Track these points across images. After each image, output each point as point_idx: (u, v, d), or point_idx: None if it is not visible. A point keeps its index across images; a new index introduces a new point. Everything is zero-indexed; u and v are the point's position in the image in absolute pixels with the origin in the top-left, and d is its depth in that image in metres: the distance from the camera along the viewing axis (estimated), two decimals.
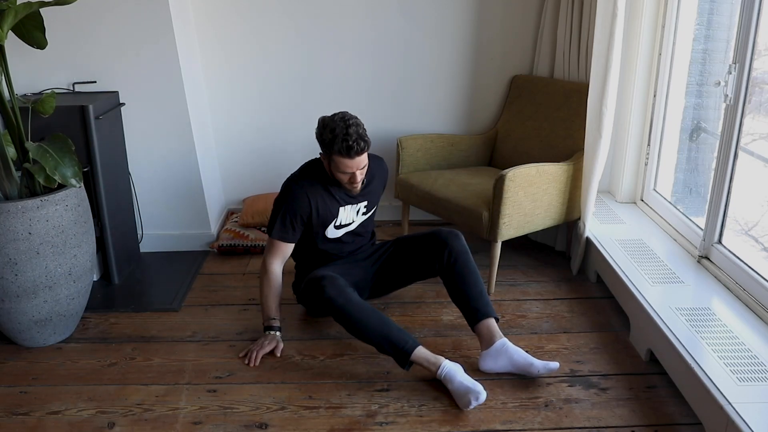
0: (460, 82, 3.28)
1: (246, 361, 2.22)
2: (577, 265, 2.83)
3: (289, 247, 2.30)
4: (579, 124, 2.78)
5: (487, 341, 2.16)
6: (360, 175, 2.18)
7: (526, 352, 2.26)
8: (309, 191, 2.22)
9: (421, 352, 2.06)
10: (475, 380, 2.01)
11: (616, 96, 2.55)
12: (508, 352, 2.12)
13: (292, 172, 2.31)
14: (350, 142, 2.07)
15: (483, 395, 1.95)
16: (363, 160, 2.15)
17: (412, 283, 2.54)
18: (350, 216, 2.34)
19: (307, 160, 2.35)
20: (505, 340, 2.16)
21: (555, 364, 2.08)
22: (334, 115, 2.15)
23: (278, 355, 2.25)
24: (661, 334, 2.04)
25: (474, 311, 2.19)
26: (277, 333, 2.29)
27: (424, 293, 2.70)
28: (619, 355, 2.26)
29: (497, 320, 2.20)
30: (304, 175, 2.27)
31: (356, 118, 2.14)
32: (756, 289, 2.15)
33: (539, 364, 2.08)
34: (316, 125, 2.19)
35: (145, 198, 3.03)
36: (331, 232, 2.33)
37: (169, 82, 2.80)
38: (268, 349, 2.24)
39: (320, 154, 2.23)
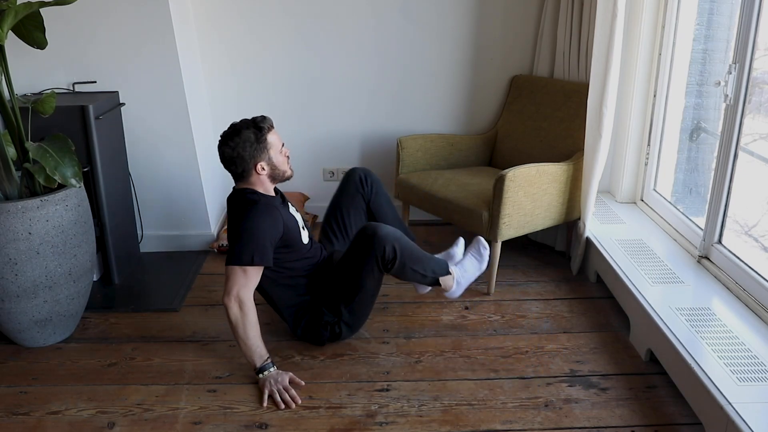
0: (460, 82, 3.28)
1: (282, 407, 2.00)
2: (577, 265, 2.83)
3: (260, 273, 2.12)
4: (579, 124, 2.78)
5: None
6: (284, 148, 2.28)
7: (526, 352, 2.28)
8: (273, 208, 2.15)
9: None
10: None
11: (616, 96, 2.55)
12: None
13: (247, 198, 2.16)
14: (261, 117, 2.17)
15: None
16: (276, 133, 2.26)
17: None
18: (297, 215, 2.32)
19: (241, 193, 2.21)
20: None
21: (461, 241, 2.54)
22: (230, 128, 2.15)
23: (303, 384, 2.09)
24: (661, 334, 2.04)
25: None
26: (275, 367, 2.11)
27: (424, 293, 2.69)
28: (619, 355, 2.26)
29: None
30: (257, 198, 2.16)
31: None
32: (756, 289, 2.15)
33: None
34: (225, 157, 2.15)
35: (145, 198, 3.03)
36: (304, 236, 2.28)
37: (169, 82, 2.80)
38: (287, 383, 2.06)
39: (250, 176, 2.17)
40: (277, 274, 2.21)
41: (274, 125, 2.21)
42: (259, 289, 2.19)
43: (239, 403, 2.02)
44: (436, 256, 2.43)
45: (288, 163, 2.26)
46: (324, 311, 2.26)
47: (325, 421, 1.94)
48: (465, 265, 2.43)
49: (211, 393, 2.08)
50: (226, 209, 3.43)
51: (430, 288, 2.49)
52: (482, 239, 2.48)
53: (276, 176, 2.22)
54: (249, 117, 2.19)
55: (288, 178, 2.27)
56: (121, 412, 1.99)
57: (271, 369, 2.08)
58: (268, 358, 2.10)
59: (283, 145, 2.24)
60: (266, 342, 2.34)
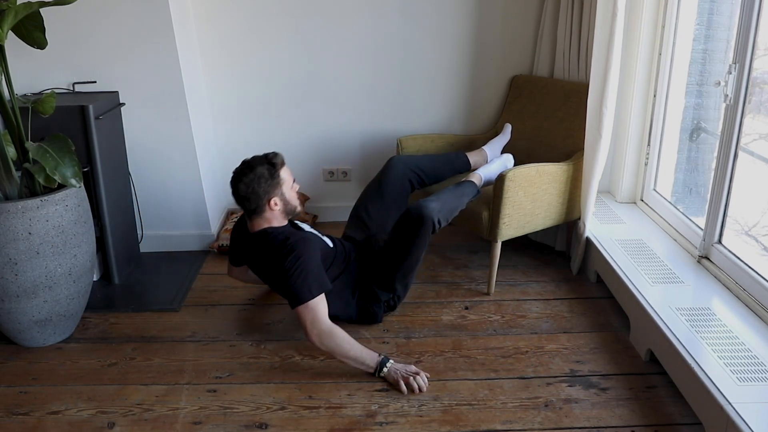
0: (460, 82, 3.28)
1: (417, 392, 2.04)
2: (577, 265, 2.83)
3: (325, 298, 2.14)
4: (579, 124, 2.78)
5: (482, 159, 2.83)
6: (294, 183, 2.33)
7: (526, 352, 2.28)
8: (303, 238, 2.19)
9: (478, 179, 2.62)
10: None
11: (616, 96, 2.55)
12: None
13: (276, 239, 2.18)
14: (273, 153, 2.23)
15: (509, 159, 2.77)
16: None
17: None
18: (312, 230, 2.39)
19: (270, 231, 2.25)
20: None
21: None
22: (243, 165, 2.21)
23: (427, 375, 2.11)
24: (661, 334, 2.04)
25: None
26: (392, 360, 2.13)
27: (424, 293, 2.70)
28: (619, 355, 2.26)
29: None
30: (284, 235, 2.19)
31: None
32: (756, 289, 2.15)
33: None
34: (240, 194, 2.19)
35: (145, 198, 3.03)
36: (328, 242, 2.36)
37: (169, 82, 2.80)
38: (415, 369, 2.10)
39: (264, 212, 2.22)
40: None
41: (285, 161, 2.28)
42: None
43: (239, 403, 2.02)
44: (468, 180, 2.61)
45: (297, 198, 2.32)
46: (378, 292, 2.38)
47: (325, 421, 1.94)
48: (491, 172, 2.66)
49: (211, 393, 2.08)
50: (226, 209, 3.44)
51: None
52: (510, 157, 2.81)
53: (288, 211, 2.29)
54: (260, 153, 2.24)
55: (299, 214, 2.33)
56: (121, 412, 1.99)
57: (390, 362, 2.10)
58: (381, 355, 2.12)
59: (294, 181, 2.29)
60: (266, 341, 2.35)
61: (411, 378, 2.05)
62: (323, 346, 2.09)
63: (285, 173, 2.25)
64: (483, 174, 2.63)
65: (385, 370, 2.09)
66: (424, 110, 3.33)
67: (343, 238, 2.56)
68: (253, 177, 2.17)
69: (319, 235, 2.37)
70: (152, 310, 2.60)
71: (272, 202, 2.21)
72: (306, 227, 2.38)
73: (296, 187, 2.31)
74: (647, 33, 2.85)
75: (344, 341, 2.10)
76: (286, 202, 2.26)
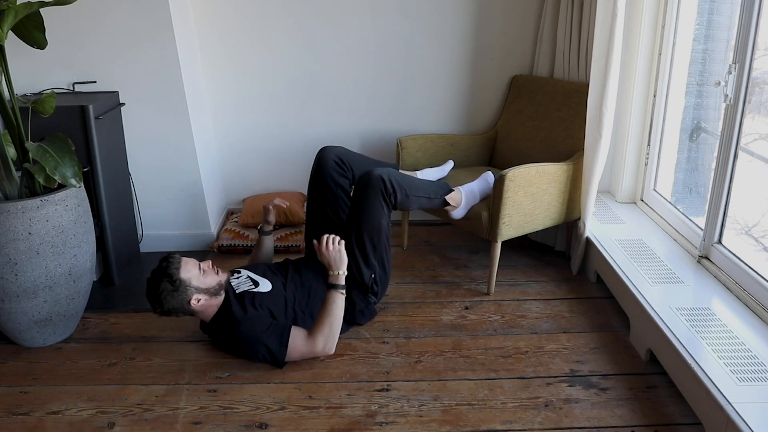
0: (460, 82, 3.28)
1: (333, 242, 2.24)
2: (577, 265, 2.83)
3: (297, 335, 2.16)
4: (579, 124, 2.78)
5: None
6: (202, 264, 2.21)
7: (526, 352, 2.28)
8: (245, 316, 2.17)
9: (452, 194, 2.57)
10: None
11: (616, 96, 2.55)
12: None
13: (237, 316, 2.17)
14: (166, 261, 2.14)
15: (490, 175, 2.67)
16: (188, 260, 2.18)
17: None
18: (244, 284, 2.29)
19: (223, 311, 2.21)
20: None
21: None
22: (147, 289, 2.15)
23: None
24: (661, 334, 2.04)
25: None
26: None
27: (424, 293, 2.70)
28: (619, 355, 2.26)
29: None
30: (231, 316, 2.18)
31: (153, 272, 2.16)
32: (756, 289, 2.15)
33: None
34: (164, 315, 2.16)
35: (145, 198, 3.03)
36: (264, 287, 2.28)
37: (169, 82, 2.80)
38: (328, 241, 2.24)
39: (194, 312, 2.18)
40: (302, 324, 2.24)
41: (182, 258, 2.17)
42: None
43: (239, 403, 2.02)
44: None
45: (214, 269, 2.22)
46: (362, 270, 2.37)
47: (325, 421, 1.94)
48: (472, 185, 2.65)
49: (211, 393, 2.08)
50: (226, 209, 3.44)
51: (463, 213, 2.62)
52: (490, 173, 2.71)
53: (212, 292, 2.18)
54: (157, 262, 2.16)
55: (224, 284, 2.22)
56: (121, 412, 1.99)
57: (340, 277, 2.22)
58: (330, 283, 2.22)
59: (200, 266, 2.18)
60: None
61: (331, 246, 2.22)
62: (329, 348, 2.17)
63: (186, 272, 2.12)
64: (463, 189, 2.61)
65: (339, 273, 2.22)
66: (424, 110, 3.33)
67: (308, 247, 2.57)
68: (162, 298, 2.11)
69: (253, 288, 2.26)
70: (152, 310, 2.59)
71: (193, 302, 2.13)
72: (242, 285, 2.28)
73: (205, 267, 2.19)
74: (647, 33, 2.86)
75: (332, 331, 2.17)
76: (205, 291, 2.15)
